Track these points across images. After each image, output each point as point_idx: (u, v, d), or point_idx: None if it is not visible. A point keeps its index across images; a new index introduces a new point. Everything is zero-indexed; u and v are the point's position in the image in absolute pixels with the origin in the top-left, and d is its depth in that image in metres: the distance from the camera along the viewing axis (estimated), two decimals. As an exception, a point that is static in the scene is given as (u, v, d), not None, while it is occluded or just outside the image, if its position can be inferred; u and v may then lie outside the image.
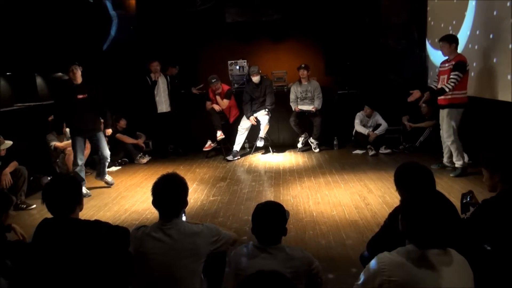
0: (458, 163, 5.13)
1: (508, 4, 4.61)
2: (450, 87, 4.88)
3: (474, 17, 5.50)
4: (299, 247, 2.16)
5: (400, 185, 2.36)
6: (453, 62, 4.91)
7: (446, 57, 5.09)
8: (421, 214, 1.60)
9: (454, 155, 5.15)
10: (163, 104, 7.04)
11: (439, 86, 5.09)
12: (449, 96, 4.98)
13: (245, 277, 1.26)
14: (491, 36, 5.12)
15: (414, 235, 1.61)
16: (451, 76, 4.89)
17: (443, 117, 5.17)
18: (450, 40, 4.99)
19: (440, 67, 5.24)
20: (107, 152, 5.45)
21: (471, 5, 5.57)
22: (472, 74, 5.46)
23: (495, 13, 4.97)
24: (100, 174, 5.58)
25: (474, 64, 5.45)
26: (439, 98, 5.13)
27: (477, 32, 5.43)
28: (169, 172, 2.30)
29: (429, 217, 1.58)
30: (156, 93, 6.99)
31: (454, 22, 6.07)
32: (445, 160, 5.36)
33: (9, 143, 4.78)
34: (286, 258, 2.01)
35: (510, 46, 4.67)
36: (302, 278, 2.01)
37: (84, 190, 5.16)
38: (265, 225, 2.05)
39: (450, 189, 4.68)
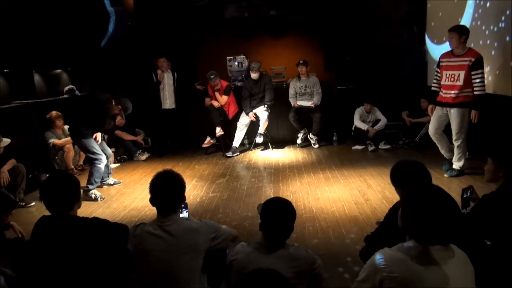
0: (457, 165, 4.96)
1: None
2: (482, 89, 4.60)
3: (473, 10, 5.48)
4: (303, 246, 2.14)
5: (397, 184, 2.35)
6: (472, 58, 4.60)
7: (450, 50, 4.82)
8: (423, 210, 1.58)
9: (457, 156, 4.94)
10: (167, 101, 7.02)
11: (445, 83, 4.82)
12: (463, 94, 4.70)
13: (242, 275, 1.25)
14: (491, 28, 5.13)
15: (416, 231, 1.59)
16: (478, 77, 4.58)
17: (442, 114, 4.93)
18: (461, 31, 4.68)
19: (443, 61, 4.89)
20: (110, 151, 5.54)
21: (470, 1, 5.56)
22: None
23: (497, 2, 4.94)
24: (108, 175, 5.50)
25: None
26: (445, 96, 4.85)
27: (477, 26, 5.41)
28: (165, 169, 2.30)
29: (431, 213, 1.56)
30: (162, 89, 6.97)
31: (454, 17, 6.04)
32: (446, 156, 5.17)
33: (7, 140, 4.76)
34: (290, 257, 1.98)
35: (509, 38, 4.72)
36: (304, 278, 2.00)
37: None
38: (277, 224, 2.02)
39: (450, 184, 4.67)
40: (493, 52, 5.10)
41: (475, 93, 4.65)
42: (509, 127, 4.65)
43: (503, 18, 4.86)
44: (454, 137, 4.90)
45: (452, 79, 4.79)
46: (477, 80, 4.61)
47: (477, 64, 4.61)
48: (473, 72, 4.63)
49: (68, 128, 5.82)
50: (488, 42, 5.21)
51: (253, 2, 8.29)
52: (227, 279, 2.15)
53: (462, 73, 4.69)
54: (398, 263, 1.57)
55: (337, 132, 7.26)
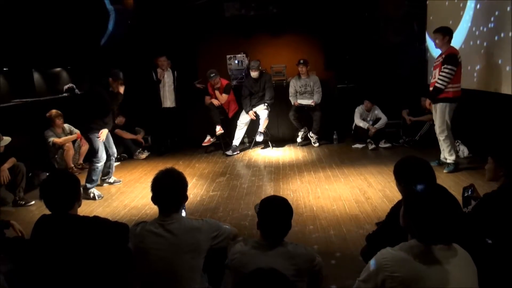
0: (450, 159, 5.05)
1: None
2: (441, 82, 4.78)
3: (474, 9, 5.48)
4: (302, 243, 2.14)
5: (400, 179, 2.34)
6: (444, 55, 4.83)
7: (440, 51, 5.00)
8: (426, 210, 1.57)
9: (446, 150, 5.07)
10: (167, 99, 7.02)
11: (432, 81, 5.02)
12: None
13: (243, 275, 1.25)
14: (480, 29, 5.29)
15: (419, 231, 1.59)
16: (442, 71, 4.78)
17: (435, 111, 5.07)
18: (444, 32, 4.89)
19: (434, 61, 5.15)
20: (115, 150, 5.48)
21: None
22: (474, 68, 5.50)
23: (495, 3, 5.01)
24: (109, 173, 5.49)
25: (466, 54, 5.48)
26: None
27: (477, 24, 5.41)
28: (167, 167, 2.29)
29: (434, 213, 1.55)
30: (162, 88, 6.96)
31: (454, 15, 6.04)
32: (442, 156, 5.25)
33: (7, 139, 4.75)
34: (289, 255, 1.99)
35: (497, 37, 4.89)
36: (304, 275, 2.00)
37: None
38: (274, 222, 2.02)
39: (450, 183, 4.66)
40: (482, 51, 5.29)
41: (436, 84, 4.86)
42: (509, 126, 4.65)
43: (492, 19, 5.08)
44: (437, 131, 5.07)
45: (434, 77, 5.01)
46: (441, 74, 4.81)
47: (446, 59, 4.80)
48: (442, 67, 4.82)
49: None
50: (478, 42, 5.41)
51: (253, 0, 8.28)
52: (227, 278, 2.15)
53: (437, 70, 4.91)
54: (401, 262, 1.56)
55: (337, 130, 7.26)
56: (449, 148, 5.04)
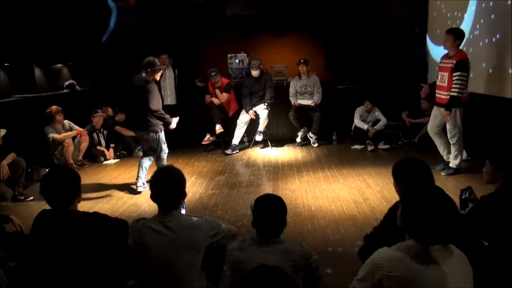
0: (453, 163, 5.05)
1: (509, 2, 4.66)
2: (458, 90, 4.70)
3: (475, 10, 5.50)
4: (298, 241, 2.16)
5: (399, 180, 2.35)
6: (454, 61, 4.73)
7: (446, 52, 4.95)
8: (423, 210, 1.59)
9: (453, 154, 5.03)
10: (168, 97, 7.02)
11: (440, 84, 4.99)
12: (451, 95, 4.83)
13: (246, 272, 1.26)
14: (467, 36, 5.37)
15: (416, 231, 1.60)
16: (455, 78, 4.70)
17: (438, 114, 5.03)
18: (456, 35, 4.79)
19: (440, 62, 5.08)
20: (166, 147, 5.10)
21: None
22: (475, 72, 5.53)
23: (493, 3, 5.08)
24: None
25: (470, 52, 5.52)
26: (438, 96, 5.01)
27: (479, 25, 5.44)
28: (165, 165, 2.30)
29: (431, 214, 1.57)
30: (163, 85, 6.97)
31: (456, 16, 6.05)
32: (445, 157, 5.25)
33: (3, 130, 4.76)
34: (285, 252, 2.01)
35: (482, 43, 5.10)
36: (300, 272, 2.02)
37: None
38: (268, 219, 2.05)
39: (448, 185, 4.68)
40: (468, 57, 5.30)
41: (450, 93, 4.78)
42: (507, 129, 4.67)
43: (477, 26, 5.26)
44: (448, 136, 5.04)
45: (442, 80, 4.96)
46: (454, 81, 4.75)
47: (458, 66, 4.71)
48: (453, 74, 4.76)
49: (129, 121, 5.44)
50: (465, 48, 5.45)
51: (255, 0, 8.29)
52: (225, 275, 2.17)
53: (447, 75, 4.85)
54: (398, 262, 1.58)
55: (337, 131, 7.27)
56: (456, 152, 5.01)
